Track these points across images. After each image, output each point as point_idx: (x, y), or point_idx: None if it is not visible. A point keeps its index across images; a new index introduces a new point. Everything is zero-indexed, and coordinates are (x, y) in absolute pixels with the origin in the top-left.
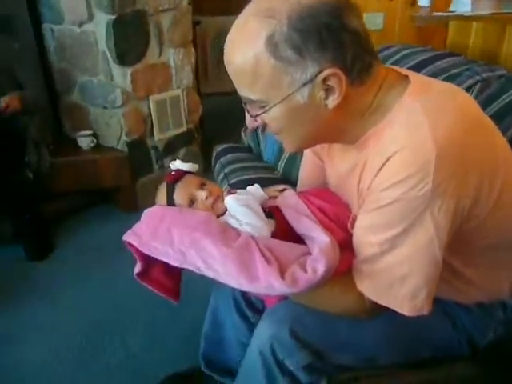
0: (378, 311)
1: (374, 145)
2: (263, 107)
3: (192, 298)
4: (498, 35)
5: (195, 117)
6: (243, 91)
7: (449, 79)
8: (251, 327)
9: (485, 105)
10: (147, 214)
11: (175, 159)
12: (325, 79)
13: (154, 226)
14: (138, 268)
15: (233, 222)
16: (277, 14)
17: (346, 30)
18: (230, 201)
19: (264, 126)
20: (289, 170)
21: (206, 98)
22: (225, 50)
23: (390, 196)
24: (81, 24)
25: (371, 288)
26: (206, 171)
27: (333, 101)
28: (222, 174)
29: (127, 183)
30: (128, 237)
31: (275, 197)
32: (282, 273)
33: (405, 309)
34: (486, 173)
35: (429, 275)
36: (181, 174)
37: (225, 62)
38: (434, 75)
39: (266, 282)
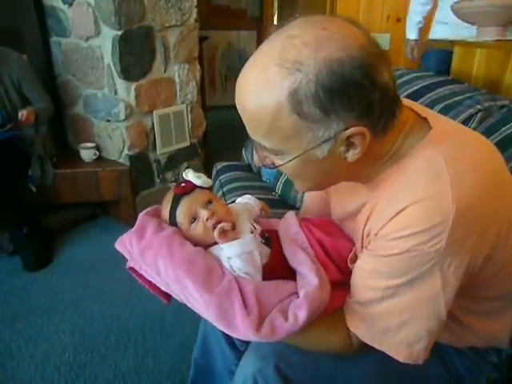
0: (366, 349)
1: (387, 188)
2: (276, 155)
3: (184, 319)
4: (501, 63)
5: (199, 131)
6: (255, 137)
7: (449, 107)
8: (240, 355)
9: (484, 135)
10: (139, 223)
11: (188, 168)
12: (348, 137)
13: (143, 249)
14: (130, 262)
15: (226, 263)
16: (304, 67)
17: (376, 88)
18: (228, 250)
19: (273, 166)
20: (287, 192)
21: (212, 110)
22: (237, 93)
23: (400, 247)
24: (87, 38)
25: (364, 330)
26: (208, 187)
27: (353, 155)
28: (220, 193)
29: (128, 196)
30: (120, 246)
31: (268, 216)
32: (261, 321)
33: (400, 355)
34: (503, 230)
35: (430, 328)
36: (191, 187)
37: (237, 106)
38: (435, 103)
39: (244, 334)
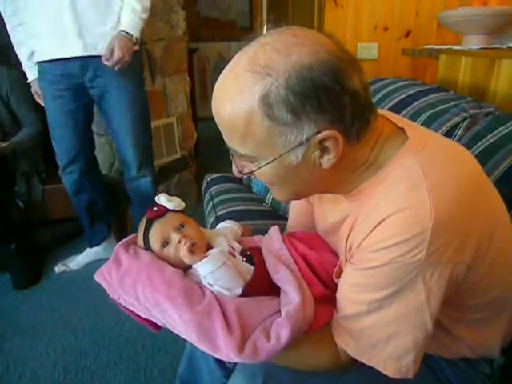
0: (355, 365)
1: (367, 199)
2: (252, 162)
3: (176, 334)
4: (486, 71)
5: (189, 143)
6: (232, 145)
7: (436, 115)
8: (228, 373)
9: (471, 143)
10: (116, 254)
11: (162, 192)
12: (321, 141)
13: (122, 275)
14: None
15: (203, 281)
16: (274, 72)
17: (346, 93)
18: (200, 270)
19: (252, 175)
20: (277, 203)
21: (204, 121)
22: (213, 102)
23: (381, 258)
24: None
25: (352, 345)
26: (200, 199)
27: (328, 161)
28: (210, 205)
29: (118, 210)
30: (99, 278)
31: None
32: (243, 342)
33: (388, 369)
34: (483, 238)
35: (417, 340)
36: (163, 210)
37: (213, 114)
38: (421, 111)
39: (226, 354)
